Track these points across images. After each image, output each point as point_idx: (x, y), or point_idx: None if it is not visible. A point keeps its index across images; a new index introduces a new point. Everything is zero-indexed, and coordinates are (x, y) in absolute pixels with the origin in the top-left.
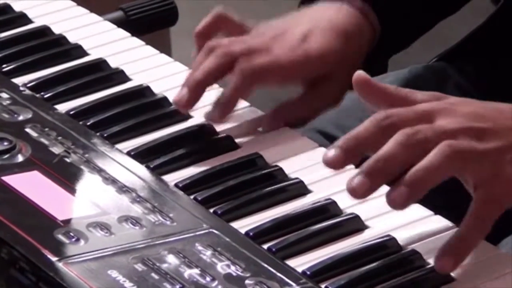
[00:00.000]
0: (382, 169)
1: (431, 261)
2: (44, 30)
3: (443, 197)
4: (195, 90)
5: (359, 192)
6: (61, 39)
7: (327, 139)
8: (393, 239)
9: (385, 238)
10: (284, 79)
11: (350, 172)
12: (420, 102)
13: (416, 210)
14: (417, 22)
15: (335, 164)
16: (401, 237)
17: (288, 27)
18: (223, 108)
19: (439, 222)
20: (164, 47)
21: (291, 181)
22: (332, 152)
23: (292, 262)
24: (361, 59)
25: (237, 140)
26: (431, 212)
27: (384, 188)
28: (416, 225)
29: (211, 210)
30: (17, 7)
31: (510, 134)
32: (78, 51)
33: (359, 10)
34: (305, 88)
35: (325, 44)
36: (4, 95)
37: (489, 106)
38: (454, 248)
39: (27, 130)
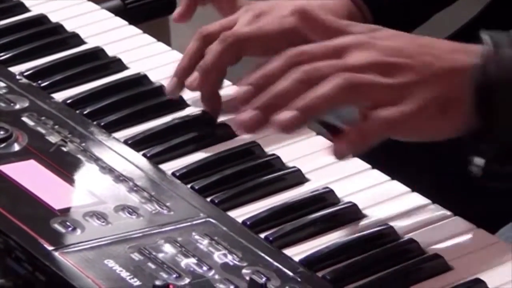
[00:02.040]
0: (274, 105)
1: (428, 250)
2: (41, 19)
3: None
4: (181, 76)
5: (249, 125)
6: (58, 28)
7: (325, 127)
8: (390, 228)
9: (382, 227)
10: (269, 48)
11: (350, 161)
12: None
13: (414, 199)
14: (411, 14)
15: (244, 101)
16: (398, 225)
17: (279, 4)
18: (202, 73)
19: (437, 210)
20: (164, 36)
21: (289, 170)
22: (242, 88)
23: (289, 251)
24: None
25: (235, 129)
26: (429, 201)
27: (379, 177)
28: (413, 214)
29: (208, 199)
30: None
31: (424, 70)
32: (75, 39)
33: (352, 1)
34: None
35: None
36: (1, 84)
37: (415, 41)
38: (351, 136)
39: (24, 119)
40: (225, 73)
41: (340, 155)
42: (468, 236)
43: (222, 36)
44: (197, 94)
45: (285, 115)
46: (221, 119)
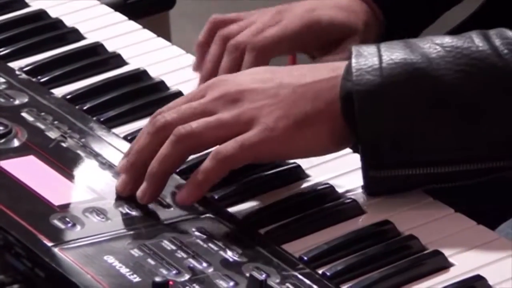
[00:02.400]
0: (135, 163)
1: (429, 246)
2: (41, 14)
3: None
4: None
5: (120, 189)
6: (58, 23)
7: None
8: (390, 224)
9: (382, 223)
10: (295, 47)
11: (349, 156)
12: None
13: (414, 195)
14: (421, 12)
15: (125, 191)
16: (398, 222)
17: (292, 5)
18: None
19: (437, 207)
20: (163, 31)
21: (289, 166)
22: (119, 179)
23: (289, 248)
24: (370, 35)
25: None
26: (429, 197)
27: None
28: (414, 210)
29: (208, 195)
30: None
31: (277, 90)
32: (74, 35)
33: (364, 2)
34: (314, 57)
35: (333, 14)
36: (0, 79)
37: (275, 68)
38: (190, 186)
39: (23, 114)
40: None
41: (182, 201)
42: (468, 233)
43: (249, 47)
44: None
45: (140, 189)
46: None
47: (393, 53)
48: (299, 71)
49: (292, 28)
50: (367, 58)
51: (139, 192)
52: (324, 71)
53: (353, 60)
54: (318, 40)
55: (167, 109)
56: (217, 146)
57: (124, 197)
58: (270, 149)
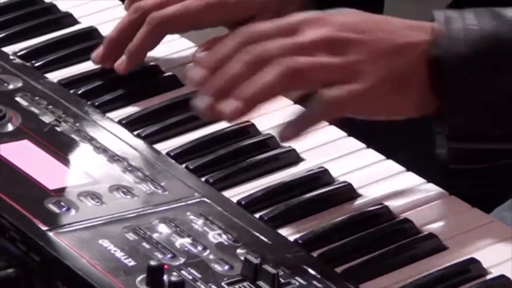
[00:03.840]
0: (224, 90)
1: (423, 230)
2: None
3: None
4: (107, 47)
5: (202, 110)
6: (52, 7)
7: None
8: (385, 208)
9: (377, 207)
10: (196, 25)
11: (344, 139)
12: None
13: (409, 178)
14: None
15: (198, 84)
16: (393, 205)
17: None
18: (130, 58)
19: (432, 190)
20: None
21: (283, 149)
22: (196, 71)
23: (284, 231)
24: (287, 9)
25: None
26: (424, 180)
27: (374, 157)
28: (408, 193)
29: (203, 179)
30: None
31: (377, 46)
32: (68, 19)
33: None
34: (229, 28)
35: None
36: None
37: (370, 18)
38: (298, 121)
39: (17, 99)
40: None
41: (284, 139)
42: (463, 216)
43: (148, 18)
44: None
45: (229, 106)
46: None
47: (480, 21)
48: (390, 25)
49: (193, 9)
50: (455, 23)
51: (228, 111)
52: (416, 33)
53: (442, 27)
54: (225, 19)
55: (259, 37)
56: (323, 90)
57: (118, 183)
58: (368, 107)
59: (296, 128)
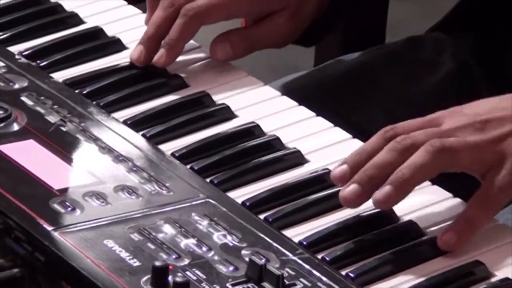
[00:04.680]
0: (371, 176)
1: (428, 232)
2: None
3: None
4: (149, 45)
5: (350, 199)
6: (57, 7)
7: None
8: (390, 210)
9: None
10: (229, 15)
11: (348, 142)
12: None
13: None
14: None
15: (339, 179)
16: (398, 207)
17: None
18: (169, 50)
19: (436, 192)
20: None
21: (288, 151)
22: (339, 168)
23: (288, 233)
24: (307, 14)
25: (234, 110)
26: (428, 182)
27: None
28: (413, 196)
29: (208, 180)
30: None
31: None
32: (74, 19)
33: None
34: (250, 23)
35: None
36: (0, 64)
37: (504, 100)
38: (459, 227)
39: (23, 98)
40: (188, 41)
41: (447, 247)
42: None
43: (183, 10)
44: (197, 74)
45: (381, 193)
46: (221, 100)
47: None
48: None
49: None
50: None
51: (382, 196)
52: None
53: None
54: (252, 11)
55: (403, 129)
56: (476, 194)
57: (123, 183)
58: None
59: (457, 235)
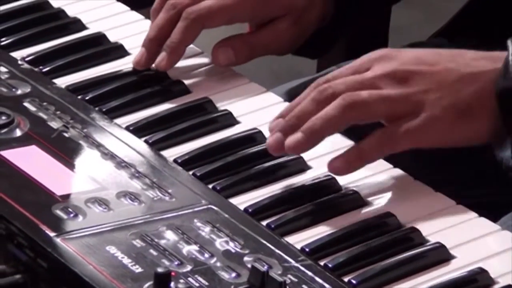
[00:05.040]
0: (292, 125)
1: (430, 238)
2: (43, 4)
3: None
4: (150, 47)
5: (274, 146)
6: (60, 13)
7: None
8: (392, 216)
9: (384, 215)
10: (231, 19)
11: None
12: None
13: (416, 187)
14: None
15: (277, 147)
16: (400, 214)
17: None
18: (170, 53)
19: (439, 199)
20: None
21: (291, 157)
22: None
23: (291, 239)
24: (310, 21)
25: (236, 116)
26: (431, 189)
27: (381, 165)
28: (415, 202)
29: (210, 186)
30: None
31: (445, 76)
32: (77, 25)
33: None
34: (253, 28)
35: None
36: (3, 69)
37: (438, 51)
38: (349, 154)
39: (26, 104)
40: (189, 44)
41: (334, 171)
42: (470, 225)
43: (185, 13)
44: (199, 80)
45: (292, 139)
46: (224, 106)
47: None
48: (462, 57)
49: (229, 2)
50: None
51: (292, 142)
52: (488, 62)
53: (510, 58)
54: (255, 15)
55: (332, 78)
56: (380, 129)
57: (125, 189)
58: (432, 137)
59: (350, 160)
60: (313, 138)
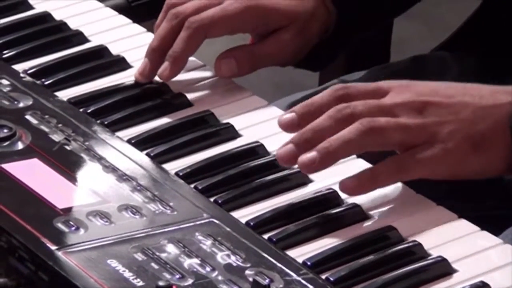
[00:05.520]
0: (307, 140)
1: (432, 252)
2: (45, 17)
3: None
4: (153, 57)
5: (285, 158)
6: (62, 26)
7: None
8: (394, 230)
9: (386, 229)
10: (234, 29)
11: (352, 162)
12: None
13: (418, 200)
14: (374, 7)
15: (285, 127)
16: (402, 227)
17: None
18: (173, 63)
19: (441, 213)
20: None
21: (293, 171)
22: (286, 115)
23: (292, 253)
24: (313, 32)
25: (238, 129)
26: (433, 203)
27: None
28: (417, 216)
29: (212, 199)
30: None
31: (459, 108)
32: (79, 37)
33: None
34: (255, 39)
35: (275, 1)
36: (4, 82)
37: (454, 85)
38: (363, 175)
39: (27, 117)
40: (192, 54)
41: (346, 191)
42: (472, 238)
43: (187, 23)
44: (201, 93)
45: (306, 157)
46: (225, 120)
47: None
48: (477, 91)
49: (231, 11)
50: None
51: (306, 161)
52: (503, 96)
53: None
54: (259, 26)
55: (350, 93)
56: (395, 156)
57: (127, 202)
58: (445, 169)
59: (359, 183)
60: (328, 160)
